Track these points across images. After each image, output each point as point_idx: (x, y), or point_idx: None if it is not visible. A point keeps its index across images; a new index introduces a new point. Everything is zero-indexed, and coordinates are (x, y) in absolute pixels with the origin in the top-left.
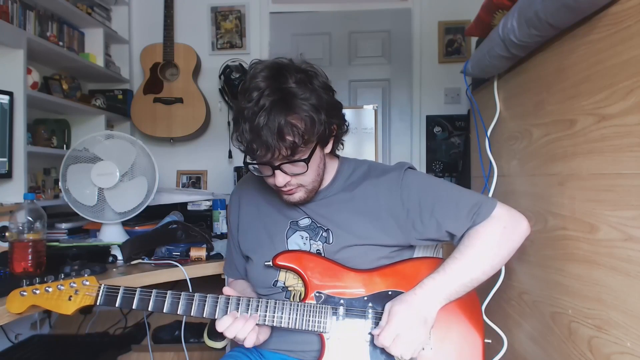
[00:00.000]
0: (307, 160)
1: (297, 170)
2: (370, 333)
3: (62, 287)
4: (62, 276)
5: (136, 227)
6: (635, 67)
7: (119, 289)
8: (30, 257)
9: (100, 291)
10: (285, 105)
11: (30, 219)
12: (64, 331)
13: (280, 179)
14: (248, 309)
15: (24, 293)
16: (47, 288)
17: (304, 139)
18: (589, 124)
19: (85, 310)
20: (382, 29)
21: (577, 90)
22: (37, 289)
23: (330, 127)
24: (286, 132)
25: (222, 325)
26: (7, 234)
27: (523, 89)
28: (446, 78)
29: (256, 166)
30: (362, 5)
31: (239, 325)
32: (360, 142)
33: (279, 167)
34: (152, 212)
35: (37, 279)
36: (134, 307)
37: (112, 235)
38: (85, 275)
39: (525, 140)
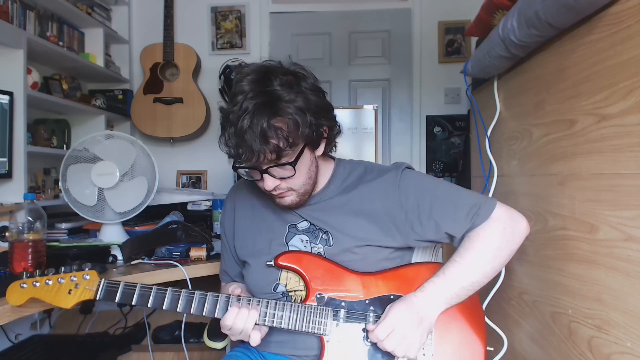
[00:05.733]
0: (293, 164)
1: (285, 174)
2: (364, 329)
3: (62, 280)
4: (63, 269)
5: (136, 227)
6: (635, 67)
7: (119, 284)
8: (30, 257)
9: (101, 285)
10: (268, 108)
11: (30, 219)
12: (64, 331)
13: (268, 182)
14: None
15: (24, 285)
16: (47, 281)
17: (289, 142)
18: (589, 124)
19: (86, 310)
20: (382, 29)
21: (577, 90)
22: (37, 282)
23: (319, 129)
24: (270, 135)
25: (227, 320)
26: (7, 234)
27: (523, 89)
28: (446, 78)
29: (247, 170)
30: (362, 5)
31: (243, 318)
32: (360, 142)
33: (266, 171)
34: (152, 212)
35: (38, 272)
36: (133, 302)
37: (112, 235)
38: (86, 269)
39: (525, 140)
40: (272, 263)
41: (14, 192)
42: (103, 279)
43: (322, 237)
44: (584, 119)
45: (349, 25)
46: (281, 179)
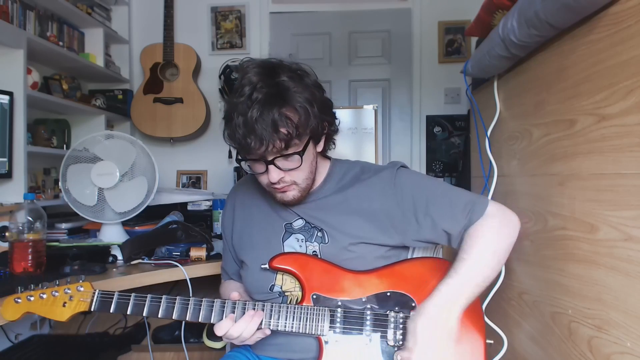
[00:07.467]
0: (301, 153)
1: (290, 165)
2: (398, 356)
3: (56, 294)
4: (57, 282)
5: (136, 227)
6: (635, 67)
7: (113, 295)
8: (30, 257)
9: (95, 297)
10: (279, 98)
11: (30, 219)
12: (64, 331)
13: (273, 174)
14: (244, 313)
15: (19, 300)
16: (41, 294)
17: (298, 132)
18: (589, 124)
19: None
20: (382, 29)
21: (577, 90)
22: (31, 296)
23: (322, 123)
24: (280, 124)
25: (221, 329)
26: (7, 234)
27: (523, 89)
28: (446, 78)
29: (249, 164)
30: (362, 5)
31: (242, 325)
32: (360, 142)
33: (272, 162)
34: (152, 212)
35: (32, 285)
36: (128, 312)
37: (112, 235)
38: (80, 280)
39: (525, 140)
40: (267, 266)
41: (14, 192)
42: (97, 290)
43: (317, 235)
44: (584, 119)
45: (349, 25)
46: (286, 171)
